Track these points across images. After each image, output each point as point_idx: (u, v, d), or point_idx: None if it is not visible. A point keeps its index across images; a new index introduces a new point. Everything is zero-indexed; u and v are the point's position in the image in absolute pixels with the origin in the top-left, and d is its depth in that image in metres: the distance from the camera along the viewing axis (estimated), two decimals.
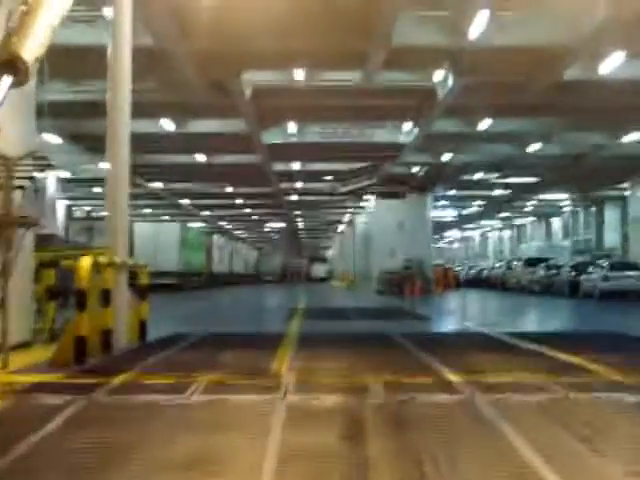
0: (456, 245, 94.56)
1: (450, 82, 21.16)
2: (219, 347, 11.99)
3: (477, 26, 17.38)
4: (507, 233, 72.13)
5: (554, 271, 42.15)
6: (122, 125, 12.04)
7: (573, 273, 37.96)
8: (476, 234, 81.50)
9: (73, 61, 18.54)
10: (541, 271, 43.63)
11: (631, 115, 25.69)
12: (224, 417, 6.58)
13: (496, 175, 39.64)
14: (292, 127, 28.59)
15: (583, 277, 35.56)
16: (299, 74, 21.25)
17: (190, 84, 21.32)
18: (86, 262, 10.01)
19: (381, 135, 29.82)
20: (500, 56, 19.22)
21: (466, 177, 39.86)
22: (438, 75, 21.45)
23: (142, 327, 12.88)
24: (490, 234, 77.13)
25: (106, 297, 10.90)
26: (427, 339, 14.05)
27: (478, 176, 39.62)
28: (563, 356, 10.60)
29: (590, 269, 35.46)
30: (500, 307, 31.53)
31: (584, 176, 39.23)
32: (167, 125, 26.94)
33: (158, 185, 43.10)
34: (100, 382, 8.11)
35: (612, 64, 19.82)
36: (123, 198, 12.11)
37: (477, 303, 36.40)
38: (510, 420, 6.17)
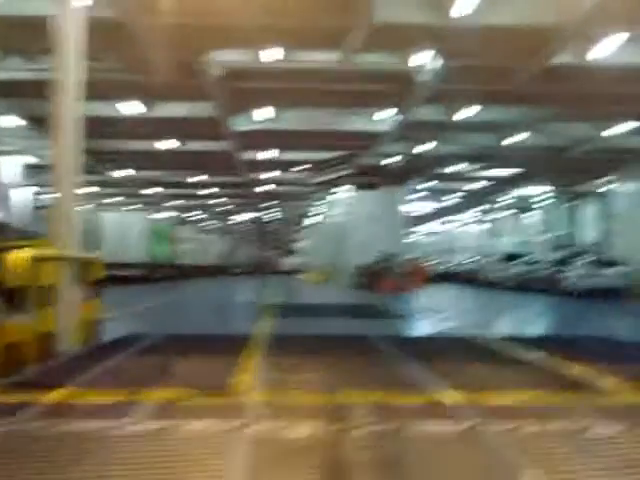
0: (430, 239, 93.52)
1: (433, 65, 19.82)
2: (177, 353, 10.59)
3: (462, 3, 16.09)
4: (483, 227, 71.05)
5: (532, 267, 41.04)
6: (67, 106, 10.58)
7: (552, 270, 36.84)
8: (451, 227, 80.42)
9: (28, 35, 17.04)
10: (519, 267, 42.51)
11: (620, 104, 24.54)
12: (168, 455, 5.18)
13: (476, 167, 38.43)
14: (265, 113, 27.14)
15: (562, 274, 34.43)
16: (273, 54, 19.80)
17: (155, 63, 19.82)
18: (19, 255, 8.55)
19: (359, 123, 28.44)
20: (487, 37, 17.91)
21: (445, 169, 38.59)
22: (421, 58, 20.08)
23: (92, 328, 11.43)
24: (465, 228, 76.06)
25: (46, 295, 9.45)
26: (411, 344, 12.71)
27: (457, 168, 38.37)
28: (562, 365, 9.36)
29: (570, 266, 34.34)
30: (478, 305, 30.32)
31: (566, 169, 38.15)
32: (132, 108, 25.39)
33: (124, 173, 41.41)
34: (25, 401, 6.68)
35: (605, 48, 18.59)
36: (69, 185, 10.66)
37: (454, 300, 35.18)
38: (535, 462, 4.82)
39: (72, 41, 10.62)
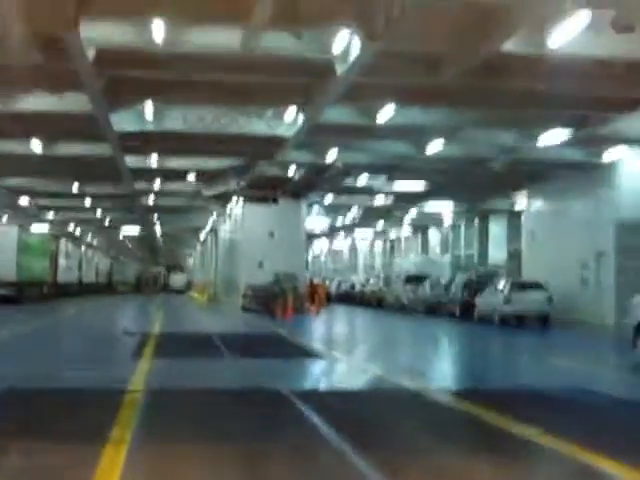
0: (323, 257, 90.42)
1: (354, 50, 16.35)
2: (10, 430, 6.95)
3: None
4: (380, 245, 68.16)
5: (440, 290, 38.09)
6: None
7: (465, 293, 33.90)
8: (346, 245, 77.36)
9: None
10: (425, 289, 39.53)
11: (553, 107, 21.68)
12: None
13: (382, 180, 35.29)
14: (148, 110, 23.27)
15: (478, 299, 31.47)
16: (157, 31, 16.00)
17: (8, 38, 15.73)
18: None
19: (258, 126, 24.81)
20: (419, 16, 14.51)
21: (349, 181, 35.29)
22: (340, 41, 16.59)
23: None
24: (362, 246, 73.07)
25: None
26: (345, 410, 9.24)
27: (363, 180, 35.13)
28: (570, 452, 6.26)
29: (486, 289, 31.40)
30: (394, 335, 26.94)
31: (478, 184, 35.32)
32: None
33: None
34: None
35: (560, 35, 15.48)
36: None
37: (364, 328, 31.80)
38: None
39: None
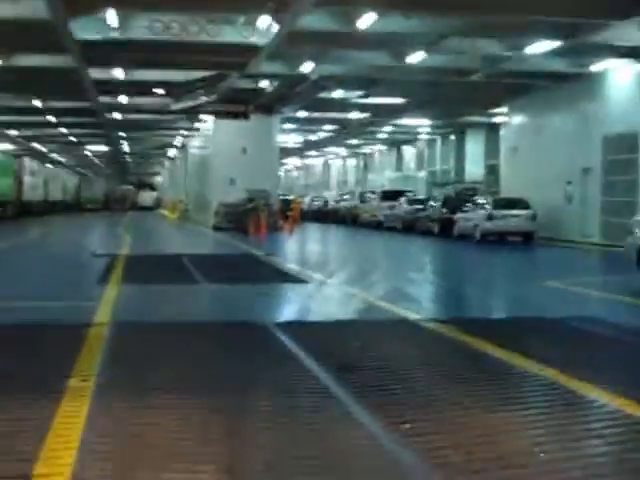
0: (295, 173, 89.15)
1: None
2: None
3: None
4: (353, 161, 66.82)
5: (418, 206, 37.11)
6: None
7: (444, 210, 32.93)
8: (319, 162, 75.96)
9: None
10: (403, 206, 38.50)
11: (545, 10, 20.29)
12: None
13: (358, 94, 33.84)
14: (111, 17, 21.63)
15: (459, 215, 30.51)
16: None
17: None
18: None
19: (230, 34, 23.25)
20: None
21: (324, 95, 33.80)
22: None
23: None
24: (334, 162, 71.68)
25: None
26: (336, 345, 8.24)
27: (338, 94, 33.70)
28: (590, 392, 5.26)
29: (466, 206, 30.41)
30: (375, 255, 26.02)
31: (457, 97, 34.00)
32: None
33: None
34: None
35: None
36: None
37: (342, 247, 30.76)
38: None
39: None
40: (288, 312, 11.26)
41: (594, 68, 26.76)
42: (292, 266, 18.34)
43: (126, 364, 7.23)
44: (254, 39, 23.45)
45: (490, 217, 28.00)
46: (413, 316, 10.29)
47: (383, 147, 58.51)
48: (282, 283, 14.72)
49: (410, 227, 36.23)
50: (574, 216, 28.79)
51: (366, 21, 20.86)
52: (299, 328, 9.29)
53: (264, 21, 22.08)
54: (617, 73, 26.74)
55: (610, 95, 27.20)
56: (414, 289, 14.69)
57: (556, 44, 23.54)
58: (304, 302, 12.45)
